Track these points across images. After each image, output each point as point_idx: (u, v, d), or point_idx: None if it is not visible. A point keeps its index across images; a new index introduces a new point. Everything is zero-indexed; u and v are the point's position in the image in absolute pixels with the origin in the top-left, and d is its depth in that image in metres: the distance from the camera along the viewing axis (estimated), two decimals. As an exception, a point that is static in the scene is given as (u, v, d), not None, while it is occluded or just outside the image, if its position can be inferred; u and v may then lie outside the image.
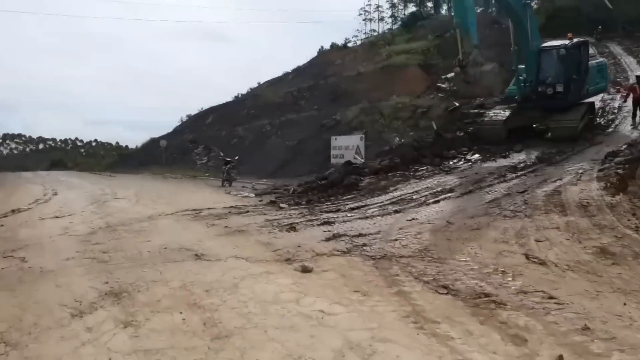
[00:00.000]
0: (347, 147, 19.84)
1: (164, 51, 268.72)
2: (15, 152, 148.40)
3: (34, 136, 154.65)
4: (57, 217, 10.35)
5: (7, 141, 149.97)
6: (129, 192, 15.39)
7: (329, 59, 37.01)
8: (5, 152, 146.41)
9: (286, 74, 43.23)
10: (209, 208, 10.80)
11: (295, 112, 26.74)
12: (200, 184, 19.13)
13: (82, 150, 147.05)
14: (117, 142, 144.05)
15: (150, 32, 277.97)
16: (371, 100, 23.09)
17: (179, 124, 50.94)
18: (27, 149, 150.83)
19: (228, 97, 46.36)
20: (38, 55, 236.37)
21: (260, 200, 12.54)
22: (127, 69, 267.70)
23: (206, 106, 42.88)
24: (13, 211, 11.28)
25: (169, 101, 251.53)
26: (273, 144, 23.03)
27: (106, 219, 9.73)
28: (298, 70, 42.07)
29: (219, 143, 29.78)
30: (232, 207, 11.06)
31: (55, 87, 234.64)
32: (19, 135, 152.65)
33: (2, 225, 9.49)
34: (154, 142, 47.99)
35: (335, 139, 20.76)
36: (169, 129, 48.18)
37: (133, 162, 45.07)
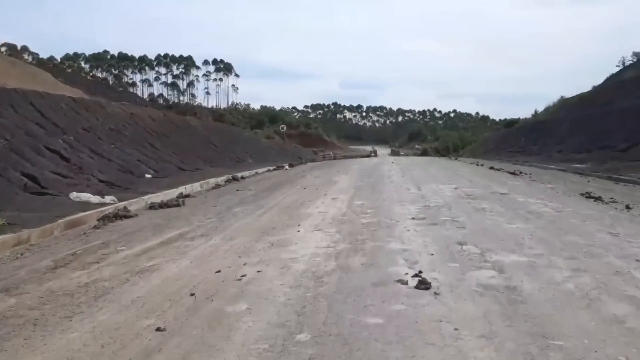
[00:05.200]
0: None
1: (519, 19, 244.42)
2: (377, 124, 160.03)
3: (394, 108, 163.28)
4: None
5: (370, 114, 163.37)
6: None
7: None
8: (368, 124, 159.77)
9: None
10: None
11: None
12: None
13: (440, 122, 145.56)
14: (477, 112, 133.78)
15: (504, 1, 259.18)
16: None
17: (598, 84, 36.27)
18: (387, 122, 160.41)
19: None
20: (406, 36, 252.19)
21: None
22: (480, 41, 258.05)
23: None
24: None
25: (526, 70, 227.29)
26: None
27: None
28: None
29: None
30: None
31: (419, 65, 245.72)
32: (381, 108, 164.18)
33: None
34: (571, 109, 34.53)
35: None
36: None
37: (511, 139, 32.32)
